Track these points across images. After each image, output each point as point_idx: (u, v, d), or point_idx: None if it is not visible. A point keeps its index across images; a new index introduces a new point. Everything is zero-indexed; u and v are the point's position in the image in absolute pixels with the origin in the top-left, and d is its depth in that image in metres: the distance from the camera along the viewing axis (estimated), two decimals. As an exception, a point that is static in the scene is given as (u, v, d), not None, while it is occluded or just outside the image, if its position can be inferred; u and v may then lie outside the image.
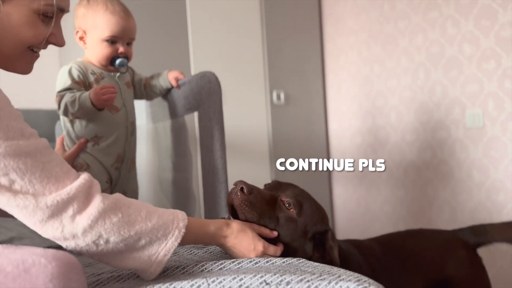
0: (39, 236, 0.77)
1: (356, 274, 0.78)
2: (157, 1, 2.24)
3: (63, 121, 1.22)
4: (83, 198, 0.74)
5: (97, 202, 0.75)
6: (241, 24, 2.58)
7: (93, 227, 0.73)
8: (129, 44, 1.25)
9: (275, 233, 0.94)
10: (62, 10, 0.86)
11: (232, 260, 0.84)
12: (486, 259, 2.23)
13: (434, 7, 2.43)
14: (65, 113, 1.16)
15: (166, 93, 1.38)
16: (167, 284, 0.71)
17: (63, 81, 1.17)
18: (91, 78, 1.20)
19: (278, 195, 1.00)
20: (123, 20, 1.19)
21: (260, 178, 2.62)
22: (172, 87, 1.34)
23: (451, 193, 2.41)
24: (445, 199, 2.44)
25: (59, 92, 1.17)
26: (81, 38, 1.23)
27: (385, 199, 2.75)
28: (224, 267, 0.82)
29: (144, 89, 1.36)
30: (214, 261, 0.84)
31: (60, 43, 0.90)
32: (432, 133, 2.49)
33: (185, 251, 0.98)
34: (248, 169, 2.57)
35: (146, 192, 1.56)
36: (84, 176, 0.77)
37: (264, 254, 0.90)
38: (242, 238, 0.89)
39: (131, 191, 1.31)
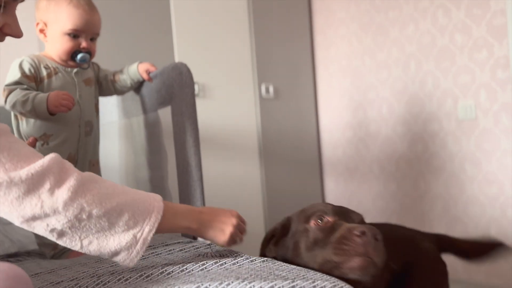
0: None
1: (332, 279, 0.72)
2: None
3: (12, 116, 1.16)
4: (58, 170, 0.71)
5: (75, 174, 0.72)
6: (228, 15, 2.51)
7: (74, 199, 0.69)
8: (92, 39, 1.19)
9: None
10: None
11: (199, 264, 0.79)
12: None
13: (425, -4, 2.37)
14: (13, 109, 1.10)
15: (139, 87, 1.31)
16: (124, 293, 0.65)
17: (13, 74, 1.11)
18: (44, 72, 1.14)
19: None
20: (87, 14, 1.13)
21: (249, 174, 2.57)
22: (144, 80, 1.28)
23: (443, 186, 2.36)
24: (437, 193, 2.39)
25: (7, 85, 1.10)
26: (41, 31, 1.17)
27: (377, 193, 2.70)
28: (190, 273, 0.76)
29: (112, 84, 1.29)
30: (179, 266, 0.78)
31: (16, 33, 0.85)
32: (423, 126, 2.44)
33: (151, 252, 0.92)
34: (237, 164, 2.51)
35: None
36: (54, 153, 0.75)
37: (239, 226, 0.89)
38: (219, 211, 0.88)
39: None
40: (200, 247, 0.98)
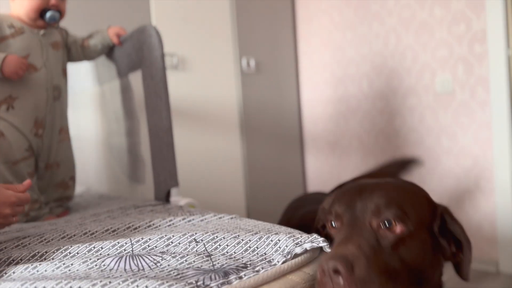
0: None
1: (294, 231, 0.74)
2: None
3: None
4: None
5: None
6: (208, -13, 2.47)
7: None
8: None
9: (26, 184, 0.78)
10: None
11: (167, 220, 0.80)
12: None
13: (405, -31, 2.36)
14: None
15: (110, 52, 1.29)
16: (86, 244, 0.66)
17: None
18: (7, 31, 1.10)
19: (363, 219, 0.66)
20: None
21: (230, 148, 2.58)
22: (114, 44, 1.25)
23: (420, 159, 2.40)
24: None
25: None
26: None
27: (356, 167, 2.74)
28: (156, 227, 0.77)
29: (81, 49, 1.26)
30: (146, 222, 0.79)
31: None
32: (402, 100, 2.46)
33: (121, 212, 0.93)
34: (218, 139, 2.51)
35: (97, 160, 1.49)
36: None
37: (18, 200, 0.76)
38: None
39: (65, 163, 1.23)
40: (171, 208, 0.99)
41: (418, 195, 0.74)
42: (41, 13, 1.11)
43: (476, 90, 2.15)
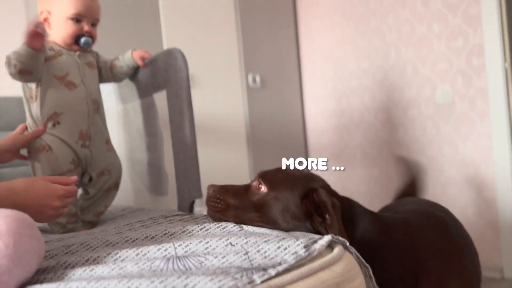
0: None
1: (312, 235, 0.81)
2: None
3: (26, 104, 1.22)
4: None
5: None
6: (215, 7, 2.57)
7: None
8: (94, 25, 1.26)
9: (73, 178, 0.90)
10: None
11: (200, 227, 0.87)
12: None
13: (404, -13, 2.47)
14: (9, 71, 1.13)
15: (134, 73, 1.38)
16: (134, 249, 0.73)
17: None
18: (49, 53, 1.20)
19: (250, 184, 0.98)
20: (87, 0, 1.21)
21: (238, 162, 2.65)
22: (139, 66, 1.34)
23: (423, 169, 2.47)
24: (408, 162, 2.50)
25: (7, 55, 1.13)
26: (45, 20, 1.23)
27: (360, 178, 2.81)
28: (192, 234, 0.84)
29: (110, 71, 1.36)
30: (181, 228, 0.85)
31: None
32: (404, 111, 2.55)
33: (153, 221, 1.00)
34: (226, 153, 2.59)
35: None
36: None
37: (66, 192, 0.86)
38: (33, 190, 0.82)
39: (115, 170, 1.31)
40: (198, 218, 1.05)
41: (304, 175, 1.00)
42: (76, 39, 1.21)
43: (475, 102, 2.23)
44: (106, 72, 1.36)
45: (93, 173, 1.26)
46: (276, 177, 0.96)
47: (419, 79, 2.45)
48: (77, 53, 1.26)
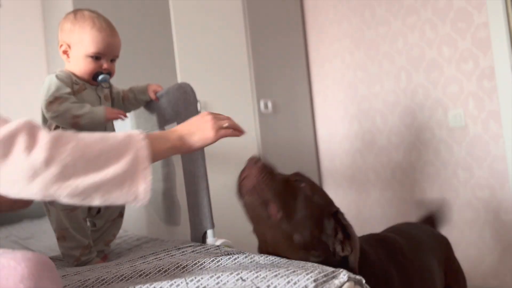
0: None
1: (328, 268, 0.82)
2: (142, 17, 2.30)
3: None
4: (28, 131, 0.71)
5: (44, 133, 0.72)
6: (226, 36, 2.64)
7: (53, 156, 0.69)
8: (112, 60, 1.27)
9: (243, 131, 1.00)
10: None
11: (212, 259, 0.88)
12: (475, 256, 2.27)
13: (412, 11, 2.50)
14: (59, 117, 1.14)
15: (147, 105, 1.42)
16: (147, 285, 0.74)
17: (56, 86, 1.16)
18: (75, 87, 1.22)
19: (287, 176, 1.01)
20: (109, 38, 1.21)
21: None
22: (151, 99, 1.38)
23: (438, 192, 2.45)
24: (432, 199, 2.48)
25: (58, 96, 1.15)
26: (64, 52, 1.24)
27: (375, 201, 2.79)
28: (204, 266, 0.85)
29: (122, 102, 1.39)
30: (193, 261, 0.87)
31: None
32: (416, 135, 2.54)
33: (166, 254, 1.01)
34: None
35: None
36: (22, 119, 0.74)
37: (216, 117, 0.96)
38: (189, 121, 0.95)
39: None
40: (210, 248, 1.07)
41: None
42: (94, 75, 1.23)
43: (488, 124, 2.22)
44: (118, 102, 1.38)
45: (102, 206, 1.28)
46: (315, 185, 1.03)
47: (431, 102, 2.45)
48: (97, 87, 1.28)
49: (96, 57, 1.21)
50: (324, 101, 3.08)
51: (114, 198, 0.75)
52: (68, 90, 1.17)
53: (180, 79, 2.39)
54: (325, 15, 3.02)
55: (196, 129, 0.92)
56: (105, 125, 1.24)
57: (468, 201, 2.33)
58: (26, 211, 1.53)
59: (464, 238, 2.34)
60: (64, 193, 0.71)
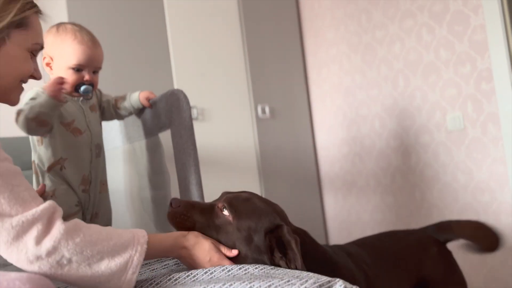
0: None
1: (324, 277, 0.80)
2: (137, 24, 2.29)
3: (33, 145, 1.25)
4: (46, 221, 0.78)
5: (59, 225, 0.78)
6: (223, 41, 2.63)
7: (56, 248, 0.76)
8: (95, 72, 1.28)
9: (235, 252, 0.93)
10: (42, 47, 0.97)
11: (205, 270, 0.86)
12: (477, 260, 2.26)
13: (409, 15, 2.50)
14: (24, 123, 1.15)
15: (140, 113, 1.41)
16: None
17: (25, 101, 1.18)
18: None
19: (216, 203, 0.99)
20: (90, 50, 1.22)
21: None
22: (145, 107, 1.37)
23: (438, 196, 2.44)
24: (432, 203, 2.46)
25: (19, 109, 1.16)
26: (47, 64, 1.26)
27: (375, 206, 2.77)
28: (196, 278, 0.84)
29: (113, 109, 1.39)
30: (185, 272, 0.85)
31: (39, 76, 0.99)
32: (415, 138, 2.53)
33: (159, 264, 1.00)
34: (238, 184, 2.59)
35: (129, 212, 1.58)
36: (49, 202, 0.81)
37: (217, 251, 0.92)
38: (198, 249, 0.91)
39: (103, 213, 1.33)
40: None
41: (270, 206, 1.03)
42: (76, 87, 1.24)
43: (487, 127, 2.21)
44: (109, 111, 1.38)
45: (88, 216, 1.28)
46: (242, 206, 0.96)
47: (429, 106, 2.44)
48: (81, 98, 1.28)
49: (78, 69, 1.23)
50: (322, 106, 3.07)
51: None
52: (28, 102, 1.18)
53: (176, 85, 2.38)
54: (321, 20, 3.02)
55: (195, 261, 0.92)
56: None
57: (468, 204, 2.31)
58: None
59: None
60: (58, 278, 0.78)
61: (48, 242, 0.75)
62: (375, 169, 2.76)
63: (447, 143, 2.38)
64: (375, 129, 2.74)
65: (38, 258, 0.75)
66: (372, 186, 2.78)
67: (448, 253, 1.49)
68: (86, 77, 1.24)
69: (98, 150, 1.30)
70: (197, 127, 2.43)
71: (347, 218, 2.95)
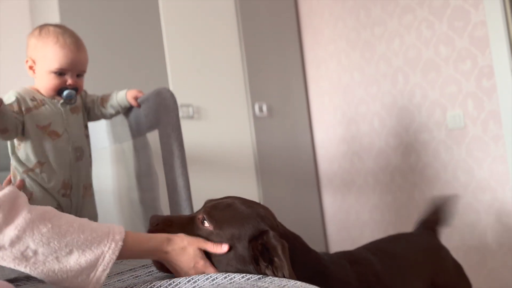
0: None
1: (312, 287, 0.76)
2: (131, 20, 2.25)
3: (11, 149, 1.22)
4: (8, 208, 0.72)
5: (24, 213, 0.73)
6: (219, 37, 2.59)
7: (20, 238, 0.71)
8: (79, 76, 1.24)
9: (224, 248, 0.87)
10: None
11: (188, 279, 0.83)
12: (477, 260, 2.21)
13: (408, 10, 2.45)
14: None
15: (128, 112, 1.37)
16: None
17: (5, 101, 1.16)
18: (30, 104, 1.19)
19: (196, 215, 0.93)
20: (72, 53, 1.19)
21: (247, 192, 2.61)
22: (132, 106, 1.33)
23: (438, 195, 2.39)
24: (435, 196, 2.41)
25: None
26: (30, 67, 1.23)
27: (374, 206, 2.73)
28: (174, 284, 0.80)
29: (98, 109, 1.35)
30: (167, 281, 0.82)
31: None
32: (415, 136, 2.48)
33: (143, 270, 0.96)
34: (235, 183, 2.55)
35: (118, 214, 1.54)
36: (9, 187, 0.76)
37: (204, 273, 0.86)
38: (182, 254, 0.86)
39: (88, 218, 1.29)
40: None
41: (254, 210, 0.93)
42: (59, 91, 1.21)
43: (488, 125, 2.16)
44: (95, 111, 1.34)
45: None
46: (223, 214, 0.90)
47: (429, 103, 2.39)
48: (60, 101, 1.24)
49: (60, 73, 1.20)
50: (321, 104, 3.03)
51: (65, 286, 0.77)
52: (13, 107, 1.15)
53: (171, 83, 2.34)
54: (320, 16, 2.97)
55: (179, 267, 0.86)
56: (63, 139, 1.19)
57: (468, 203, 2.27)
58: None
59: (465, 241, 2.28)
60: (22, 270, 0.73)
61: (11, 231, 0.70)
62: (374, 168, 2.72)
63: (447, 141, 2.33)
64: (374, 127, 2.70)
65: (0, 248, 0.70)
66: (371, 185, 2.74)
67: (451, 256, 1.45)
68: (69, 81, 1.20)
69: (79, 153, 1.25)
70: (193, 125, 2.40)
71: (346, 218, 2.91)
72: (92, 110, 1.34)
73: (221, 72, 2.57)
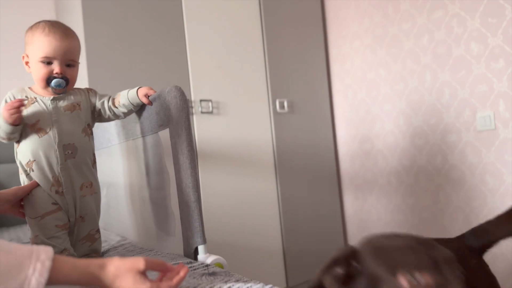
0: None
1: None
2: (154, 16, 2.24)
3: (14, 147, 1.22)
4: None
5: None
6: (240, 32, 2.55)
7: None
8: (70, 66, 1.21)
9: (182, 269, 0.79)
10: None
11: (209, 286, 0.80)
12: (504, 268, 2.11)
13: (439, 6, 2.34)
14: None
15: (140, 110, 1.35)
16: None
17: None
18: (25, 102, 1.19)
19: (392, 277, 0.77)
20: (56, 41, 1.16)
21: (266, 189, 2.58)
22: (144, 104, 1.31)
23: (464, 199, 2.30)
24: (457, 206, 2.32)
25: None
26: (26, 63, 1.23)
27: (396, 207, 2.65)
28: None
29: (109, 110, 1.32)
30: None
31: None
32: (442, 137, 2.38)
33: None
34: (253, 179, 2.52)
35: (133, 211, 1.53)
36: None
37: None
38: (119, 282, 0.75)
39: (88, 217, 1.27)
40: (198, 268, 0.99)
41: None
42: (47, 81, 1.19)
43: (520, 127, 2.05)
44: (106, 111, 1.32)
45: (72, 219, 1.24)
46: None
47: (458, 103, 2.29)
48: (51, 97, 1.23)
49: (48, 62, 1.18)
50: (344, 100, 2.95)
51: None
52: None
53: (192, 79, 2.32)
54: (346, 11, 2.88)
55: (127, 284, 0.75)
56: (20, 129, 1.18)
57: (496, 209, 2.16)
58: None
59: (491, 249, 2.17)
60: None
61: None
62: (398, 168, 2.63)
63: (476, 143, 2.23)
64: (399, 126, 2.61)
65: None
66: (394, 185, 2.66)
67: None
68: (56, 69, 1.18)
69: (70, 151, 1.22)
70: (213, 120, 2.37)
71: (367, 218, 2.84)
72: (103, 109, 1.31)
73: (242, 67, 2.53)
